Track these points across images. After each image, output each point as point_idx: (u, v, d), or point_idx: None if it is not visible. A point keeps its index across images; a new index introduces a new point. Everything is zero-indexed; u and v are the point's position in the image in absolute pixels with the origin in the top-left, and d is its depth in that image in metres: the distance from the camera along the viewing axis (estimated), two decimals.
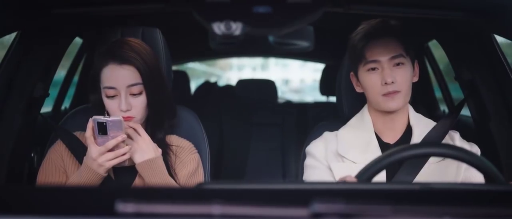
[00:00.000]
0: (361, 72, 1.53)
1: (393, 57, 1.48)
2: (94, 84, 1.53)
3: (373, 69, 1.49)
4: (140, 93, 1.49)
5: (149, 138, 1.51)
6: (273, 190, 0.82)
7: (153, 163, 1.49)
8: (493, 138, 1.87)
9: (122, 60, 1.47)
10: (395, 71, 1.47)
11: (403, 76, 1.48)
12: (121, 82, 1.47)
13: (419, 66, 1.59)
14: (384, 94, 1.48)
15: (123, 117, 1.46)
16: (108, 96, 1.48)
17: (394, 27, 1.52)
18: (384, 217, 0.70)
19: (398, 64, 1.48)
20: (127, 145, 1.47)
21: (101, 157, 1.43)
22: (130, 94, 1.48)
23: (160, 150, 1.53)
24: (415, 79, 1.54)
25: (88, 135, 1.44)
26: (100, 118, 1.42)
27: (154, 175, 1.49)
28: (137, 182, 1.54)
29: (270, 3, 0.89)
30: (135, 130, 1.49)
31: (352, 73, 1.60)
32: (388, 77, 1.46)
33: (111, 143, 1.43)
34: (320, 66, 4.18)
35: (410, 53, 1.51)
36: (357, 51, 1.51)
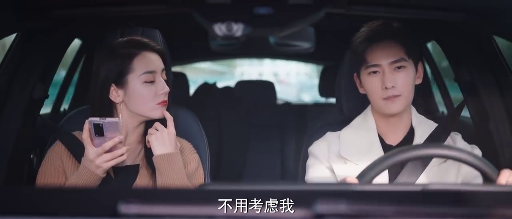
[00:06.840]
0: (363, 75, 1.52)
1: (394, 61, 1.47)
2: (109, 81, 1.51)
3: (374, 72, 1.48)
4: (166, 81, 1.55)
5: (174, 132, 1.52)
6: (276, 191, 0.82)
7: (172, 157, 1.49)
8: (492, 138, 1.87)
9: (153, 48, 1.55)
10: (395, 75, 1.46)
11: (404, 80, 1.47)
12: (157, 65, 1.53)
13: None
14: (385, 98, 1.47)
15: (162, 101, 1.51)
16: (146, 82, 1.50)
17: (395, 30, 1.50)
18: (387, 218, 0.70)
19: (399, 67, 1.47)
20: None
21: (98, 158, 1.42)
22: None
23: (179, 145, 1.53)
24: (419, 81, 1.53)
25: (85, 136, 1.44)
26: (96, 120, 1.42)
27: (172, 170, 1.48)
28: (138, 182, 1.54)
29: (271, 4, 0.89)
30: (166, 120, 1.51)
31: (355, 74, 1.60)
32: (388, 82, 1.45)
33: (108, 144, 1.42)
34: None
35: (412, 56, 1.49)
36: (358, 54, 1.50)
